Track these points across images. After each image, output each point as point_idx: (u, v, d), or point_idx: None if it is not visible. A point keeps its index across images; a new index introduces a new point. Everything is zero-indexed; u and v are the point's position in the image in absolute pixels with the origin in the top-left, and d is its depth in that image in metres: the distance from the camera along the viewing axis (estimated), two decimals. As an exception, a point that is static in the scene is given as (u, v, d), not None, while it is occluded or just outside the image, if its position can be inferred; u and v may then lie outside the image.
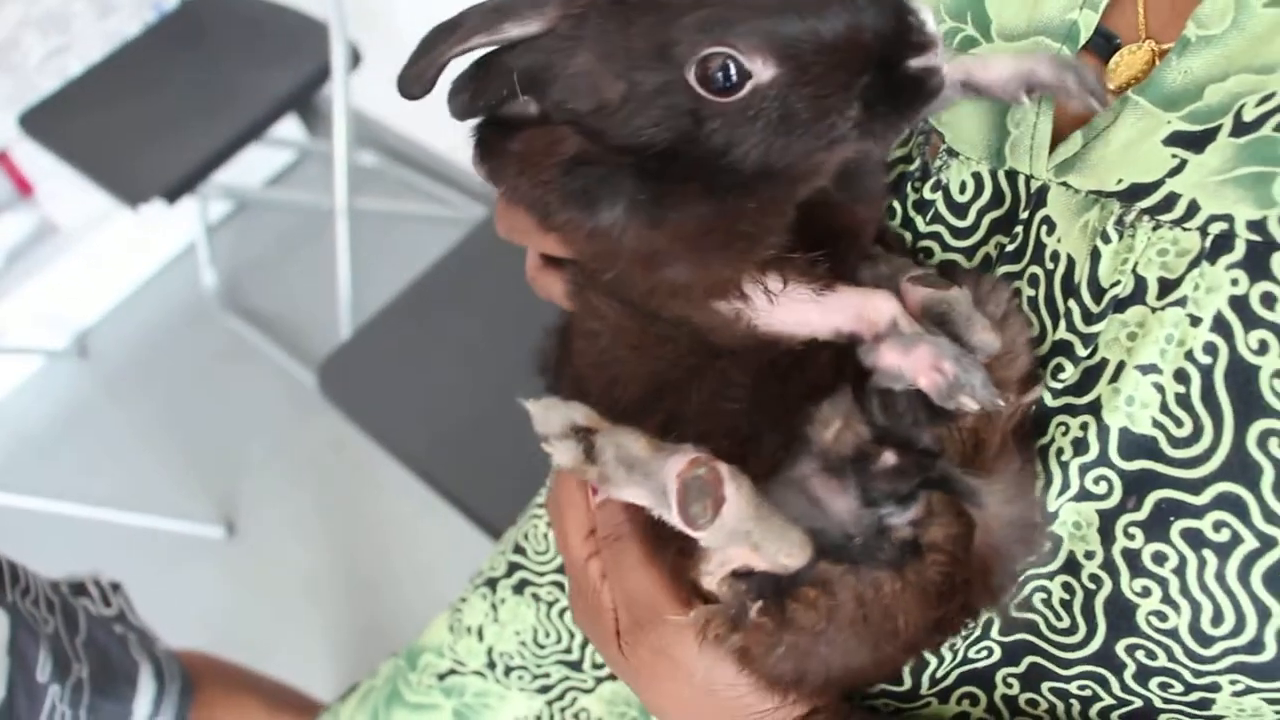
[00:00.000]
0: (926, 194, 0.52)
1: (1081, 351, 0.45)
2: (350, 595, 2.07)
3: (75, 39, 2.44)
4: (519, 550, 0.74)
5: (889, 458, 0.44)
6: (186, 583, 2.14)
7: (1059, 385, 0.46)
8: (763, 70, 0.39)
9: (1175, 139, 0.42)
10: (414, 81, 0.42)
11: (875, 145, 0.45)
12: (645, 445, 0.44)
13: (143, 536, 2.20)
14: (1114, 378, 0.43)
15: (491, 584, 0.75)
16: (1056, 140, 0.47)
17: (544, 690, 0.74)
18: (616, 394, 0.49)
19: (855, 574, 0.43)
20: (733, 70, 0.39)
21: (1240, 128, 0.40)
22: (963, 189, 0.51)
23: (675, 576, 0.48)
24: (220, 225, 2.76)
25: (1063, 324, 0.46)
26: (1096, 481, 0.44)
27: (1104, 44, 0.47)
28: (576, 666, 0.72)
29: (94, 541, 2.22)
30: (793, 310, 0.45)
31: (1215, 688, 0.43)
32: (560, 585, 0.72)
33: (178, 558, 2.18)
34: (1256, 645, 0.41)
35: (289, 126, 2.73)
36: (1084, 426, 0.45)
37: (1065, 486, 0.45)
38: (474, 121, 0.46)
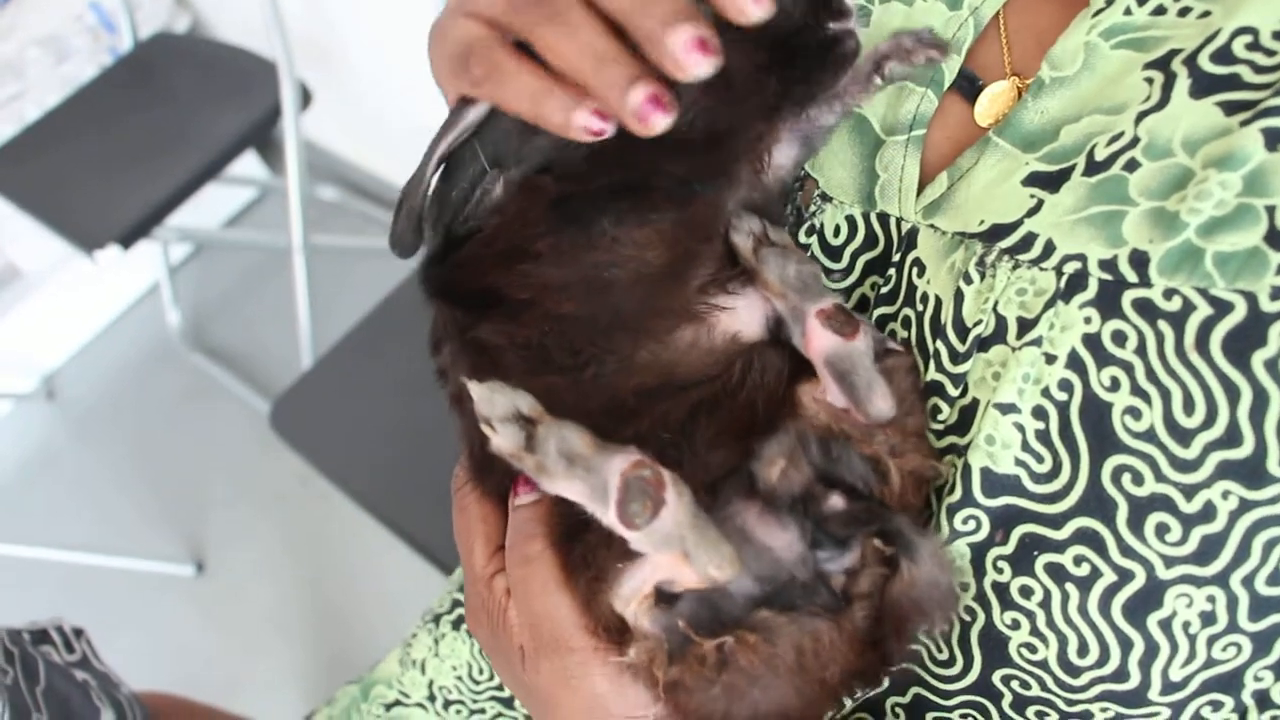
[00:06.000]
0: (801, 238, 0.52)
1: (953, 391, 0.45)
2: (318, 628, 2.07)
3: (31, 85, 2.44)
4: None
5: (837, 501, 0.45)
6: (158, 622, 2.14)
7: (940, 426, 0.46)
8: None
9: (1033, 179, 0.43)
10: (401, 238, 0.45)
11: (801, 109, 0.47)
12: (589, 442, 0.43)
13: (114, 577, 2.20)
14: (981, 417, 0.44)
15: (436, 619, 0.76)
16: (925, 183, 0.48)
17: (479, 724, 0.75)
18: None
19: (797, 623, 0.43)
20: None
21: (1092, 167, 0.41)
22: (837, 232, 0.51)
23: (587, 603, 0.47)
24: (184, 264, 2.76)
25: (933, 365, 0.46)
26: (965, 521, 0.44)
27: (969, 86, 0.48)
28: (509, 704, 0.73)
29: (66, 584, 2.21)
30: (733, 312, 0.48)
31: (1088, 715, 0.44)
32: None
33: (149, 597, 2.18)
34: (1122, 674, 0.42)
35: (250, 164, 2.73)
36: (950, 466, 0.45)
37: (936, 529, 0.45)
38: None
